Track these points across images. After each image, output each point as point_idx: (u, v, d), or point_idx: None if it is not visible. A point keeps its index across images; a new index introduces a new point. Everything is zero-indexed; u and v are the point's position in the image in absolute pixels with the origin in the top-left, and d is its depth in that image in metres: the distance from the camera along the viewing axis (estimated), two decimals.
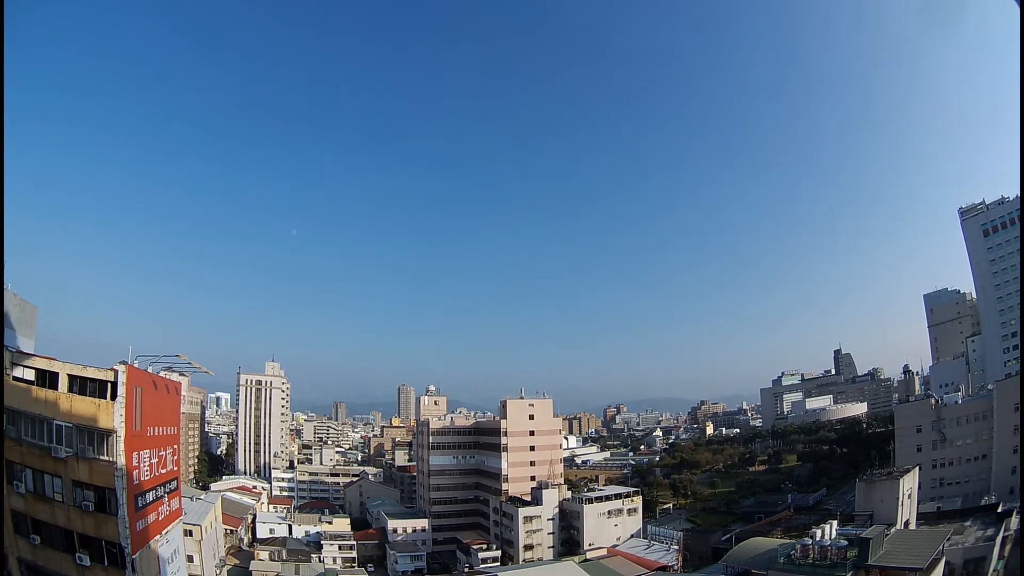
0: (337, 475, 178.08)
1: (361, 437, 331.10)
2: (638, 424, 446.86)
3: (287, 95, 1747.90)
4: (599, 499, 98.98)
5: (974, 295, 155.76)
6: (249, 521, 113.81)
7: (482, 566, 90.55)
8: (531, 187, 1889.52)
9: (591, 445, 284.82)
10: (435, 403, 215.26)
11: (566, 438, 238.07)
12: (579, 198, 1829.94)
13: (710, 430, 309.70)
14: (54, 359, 36.27)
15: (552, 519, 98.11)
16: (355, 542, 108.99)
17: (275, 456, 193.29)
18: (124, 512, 34.54)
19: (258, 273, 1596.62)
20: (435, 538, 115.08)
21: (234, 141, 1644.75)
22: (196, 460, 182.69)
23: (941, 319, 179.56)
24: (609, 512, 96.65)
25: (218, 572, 75.15)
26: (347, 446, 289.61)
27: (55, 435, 33.80)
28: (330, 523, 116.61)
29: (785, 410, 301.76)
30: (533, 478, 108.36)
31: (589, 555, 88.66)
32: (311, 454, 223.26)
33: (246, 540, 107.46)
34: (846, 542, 51.59)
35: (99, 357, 39.08)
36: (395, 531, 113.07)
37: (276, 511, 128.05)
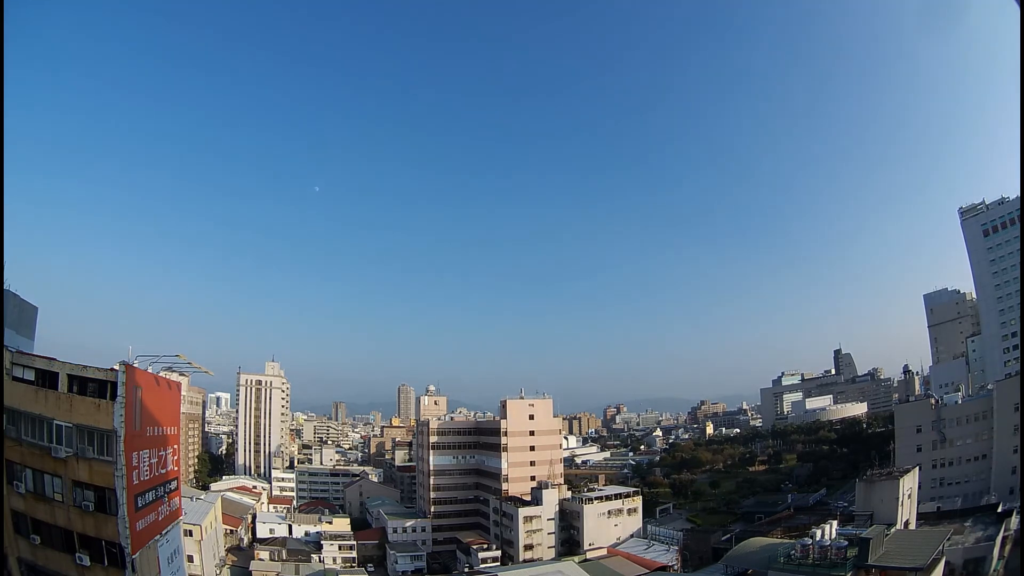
0: (337, 475, 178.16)
1: (361, 437, 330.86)
2: (638, 424, 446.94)
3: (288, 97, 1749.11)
4: (599, 499, 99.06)
5: (974, 295, 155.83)
6: (249, 521, 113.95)
7: (482, 566, 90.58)
8: (530, 188, 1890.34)
9: (591, 445, 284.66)
10: (435, 403, 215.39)
11: (566, 438, 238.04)
12: (577, 201, 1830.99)
13: (710, 430, 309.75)
14: (54, 359, 36.22)
15: (552, 519, 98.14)
16: (355, 542, 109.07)
17: (275, 456, 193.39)
18: (124, 512, 34.52)
19: (258, 273, 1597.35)
20: (435, 538, 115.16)
21: (234, 140, 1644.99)
22: (196, 460, 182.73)
23: (941, 319, 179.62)
24: (609, 512, 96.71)
25: (218, 572, 75.23)
26: (347, 446, 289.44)
27: (55, 435, 33.80)
28: (330, 523, 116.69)
29: (785, 410, 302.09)
30: (533, 478, 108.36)
31: (589, 555, 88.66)
32: (311, 454, 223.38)
33: (246, 540, 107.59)
34: (846, 542, 51.53)
35: (99, 357, 39.05)
36: (395, 531, 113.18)
37: (276, 511, 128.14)
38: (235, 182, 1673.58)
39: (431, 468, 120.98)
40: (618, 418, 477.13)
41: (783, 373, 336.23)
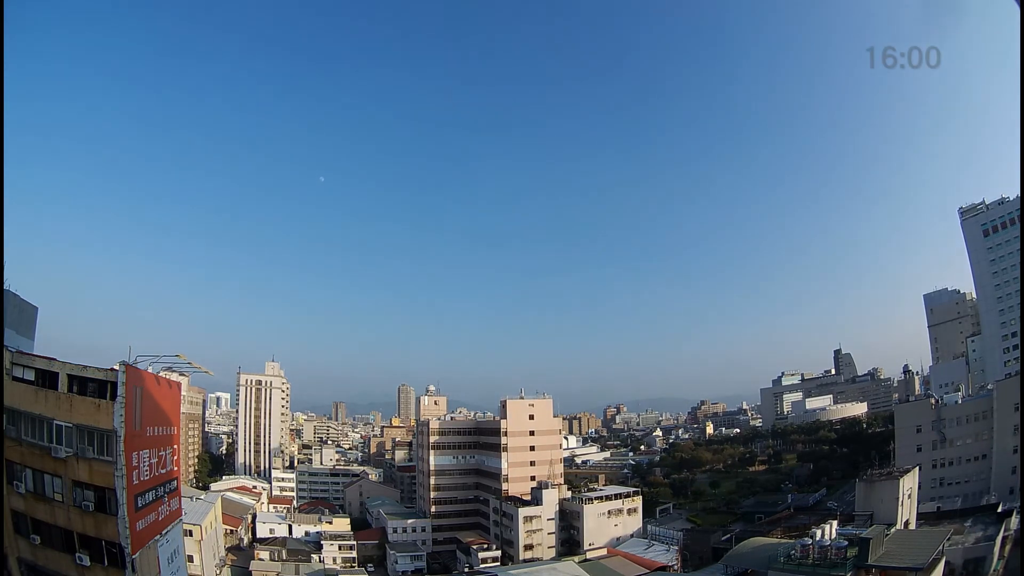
0: (337, 475, 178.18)
1: (361, 437, 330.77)
2: (638, 424, 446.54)
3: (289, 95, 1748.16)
4: (599, 499, 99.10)
5: (974, 295, 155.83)
6: (249, 521, 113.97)
7: (482, 566, 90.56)
8: (531, 187, 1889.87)
9: (591, 445, 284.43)
10: (435, 403, 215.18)
11: (566, 438, 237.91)
12: (576, 199, 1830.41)
13: (710, 430, 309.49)
14: (54, 359, 36.20)
15: (552, 519, 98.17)
16: (355, 542, 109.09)
17: (275, 456, 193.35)
18: (124, 512, 34.49)
19: (258, 273, 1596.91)
20: (435, 538, 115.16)
21: (235, 140, 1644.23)
22: (196, 460, 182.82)
23: (941, 319, 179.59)
24: (609, 512, 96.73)
25: (218, 572, 75.16)
26: (347, 446, 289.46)
27: (55, 435, 33.78)
28: (330, 523, 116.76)
29: (785, 410, 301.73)
30: (533, 478, 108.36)
31: (589, 555, 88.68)
32: (311, 454, 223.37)
33: (246, 540, 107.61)
34: (846, 542, 51.54)
35: (99, 357, 39.02)
36: (395, 531, 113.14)
37: (276, 511, 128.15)
38: (235, 181, 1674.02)
39: (431, 468, 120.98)
40: (618, 418, 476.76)
41: (783, 373, 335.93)
